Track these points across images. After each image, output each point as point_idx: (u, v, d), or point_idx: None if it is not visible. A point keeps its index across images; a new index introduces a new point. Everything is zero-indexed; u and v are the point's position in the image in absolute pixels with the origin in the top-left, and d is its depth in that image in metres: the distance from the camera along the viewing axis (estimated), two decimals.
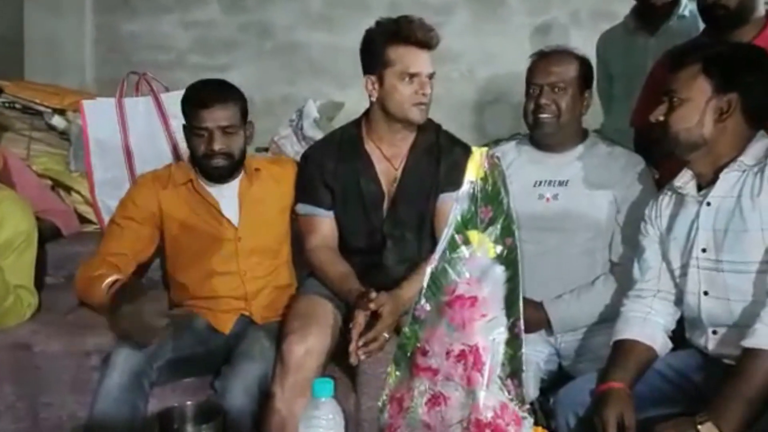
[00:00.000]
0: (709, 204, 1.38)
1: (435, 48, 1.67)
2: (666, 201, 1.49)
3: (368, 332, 1.51)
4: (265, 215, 1.78)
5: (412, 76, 1.64)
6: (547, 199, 1.71)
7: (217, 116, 1.67)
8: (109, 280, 1.60)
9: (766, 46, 1.67)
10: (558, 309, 1.67)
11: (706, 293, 1.38)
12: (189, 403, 1.25)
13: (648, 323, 1.45)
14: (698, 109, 1.36)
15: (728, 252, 1.34)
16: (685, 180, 1.43)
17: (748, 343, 1.26)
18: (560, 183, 1.72)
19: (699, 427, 1.21)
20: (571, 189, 1.71)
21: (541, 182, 1.73)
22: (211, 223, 1.75)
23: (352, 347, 1.51)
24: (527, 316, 1.55)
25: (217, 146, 1.68)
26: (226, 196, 1.76)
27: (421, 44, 1.65)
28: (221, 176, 1.75)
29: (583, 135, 1.78)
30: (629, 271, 1.55)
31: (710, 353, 1.40)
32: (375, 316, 1.53)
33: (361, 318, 1.52)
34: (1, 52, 2.91)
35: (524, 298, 1.57)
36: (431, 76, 1.67)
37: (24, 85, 2.44)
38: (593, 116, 2.44)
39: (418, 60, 1.64)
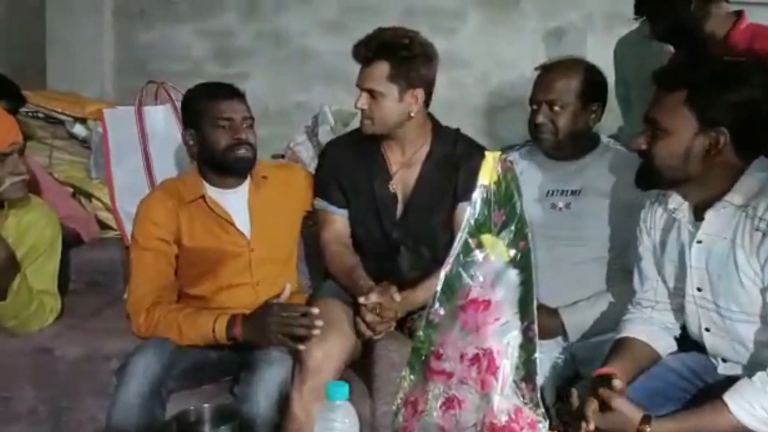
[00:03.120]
0: (700, 242, 1.30)
1: (369, 62, 1.64)
2: (660, 212, 1.41)
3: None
4: (275, 223, 1.78)
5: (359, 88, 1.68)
6: (560, 209, 1.71)
7: (239, 108, 1.70)
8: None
9: (740, 42, 1.65)
10: (573, 316, 1.66)
11: (707, 330, 1.35)
12: (206, 405, 1.27)
13: (648, 323, 1.43)
14: (683, 144, 1.24)
15: (725, 299, 1.28)
16: (678, 201, 1.34)
17: (727, 396, 1.19)
18: (572, 192, 1.71)
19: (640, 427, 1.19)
20: (584, 198, 1.70)
21: (553, 192, 1.72)
22: (224, 238, 1.73)
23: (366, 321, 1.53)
24: (542, 322, 1.55)
25: (243, 135, 1.68)
26: (236, 205, 1.75)
27: (359, 59, 1.67)
28: (244, 170, 1.73)
29: (594, 142, 1.76)
30: None
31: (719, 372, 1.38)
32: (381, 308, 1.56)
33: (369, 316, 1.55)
34: (24, 62, 2.98)
35: (539, 305, 1.60)
36: (372, 92, 1.65)
37: (46, 95, 2.50)
38: (615, 119, 2.44)
39: (358, 74, 1.68)
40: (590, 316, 1.66)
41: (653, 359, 1.40)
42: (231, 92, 1.72)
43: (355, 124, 2.38)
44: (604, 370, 1.33)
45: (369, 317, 1.54)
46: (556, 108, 1.66)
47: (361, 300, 1.55)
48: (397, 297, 1.55)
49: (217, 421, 1.24)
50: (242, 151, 1.69)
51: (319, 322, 1.51)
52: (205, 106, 1.69)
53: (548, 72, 1.71)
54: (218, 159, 1.70)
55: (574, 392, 1.29)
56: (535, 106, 1.70)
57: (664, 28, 1.79)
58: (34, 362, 1.72)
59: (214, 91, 1.71)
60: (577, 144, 1.72)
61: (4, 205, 1.66)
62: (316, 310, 1.53)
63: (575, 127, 1.68)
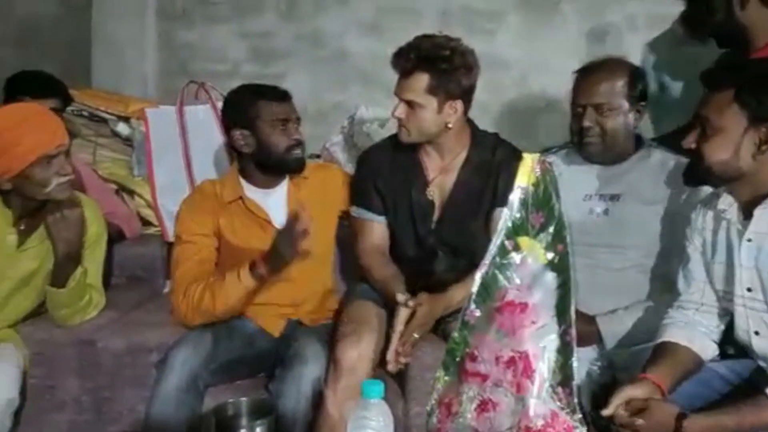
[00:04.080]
0: (749, 240, 1.29)
1: (409, 73, 1.62)
2: (710, 214, 1.40)
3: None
4: (313, 221, 1.78)
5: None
6: (597, 214, 1.67)
7: (292, 109, 1.76)
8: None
9: None
10: (611, 324, 1.62)
11: (757, 333, 1.32)
12: (243, 399, 1.30)
13: (689, 328, 1.40)
14: (734, 140, 1.25)
15: None
16: (729, 202, 1.34)
17: None
18: (611, 197, 1.67)
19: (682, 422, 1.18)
20: (623, 204, 1.66)
21: (591, 196, 1.69)
22: (262, 236, 1.75)
23: (390, 354, 1.52)
24: (579, 329, 1.52)
25: (297, 136, 1.74)
26: (274, 204, 1.79)
27: (398, 70, 1.65)
28: (299, 168, 1.78)
29: (636, 145, 1.71)
30: None
31: None
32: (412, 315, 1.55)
33: (399, 325, 1.54)
34: (71, 61, 3.07)
35: (576, 311, 1.58)
36: (410, 103, 1.64)
37: (91, 94, 2.56)
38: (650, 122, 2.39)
39: (396, 83, 1.67)
40: (628, 324, 1.62)
41: (695, 363, 1.38)
42: (284, 94, 1.77)
43: (390, 126, 2.40)
44: (641, 376, 1.31)
45: (398, 349, 1.54)
46: (604, 111, 1.62)
47: (399, 297, 1.55)
48: (424, 296, 1.56)
49: (253, 415, 1.26)
50: (298, 152, 1.75)
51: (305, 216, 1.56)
52: (261, 108, 1.72)
53: (590, 74, 1.67)
54: (276, 159, 1.75)
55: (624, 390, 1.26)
56: (579, 110, 1.65)
57: (714, 25, 1.74)
58: (78, 353, 1.77)
59: (268, 93, 1.75)
60: (620, 148, 1.68)
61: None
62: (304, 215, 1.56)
63: (621, 131, 1.65)
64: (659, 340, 1.41)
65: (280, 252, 1.61)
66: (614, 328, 1.63)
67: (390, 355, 1.53)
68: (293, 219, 1.60)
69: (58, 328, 1.79)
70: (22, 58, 2.95)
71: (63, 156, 1.63)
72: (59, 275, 1.70)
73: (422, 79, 1.62)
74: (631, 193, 1.66)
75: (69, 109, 2.33)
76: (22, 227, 1.68)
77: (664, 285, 1.66)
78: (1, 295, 1.69)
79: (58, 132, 1.64)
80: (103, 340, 1.77)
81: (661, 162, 1.69)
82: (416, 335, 1.53)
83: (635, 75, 1.68)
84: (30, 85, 2.11)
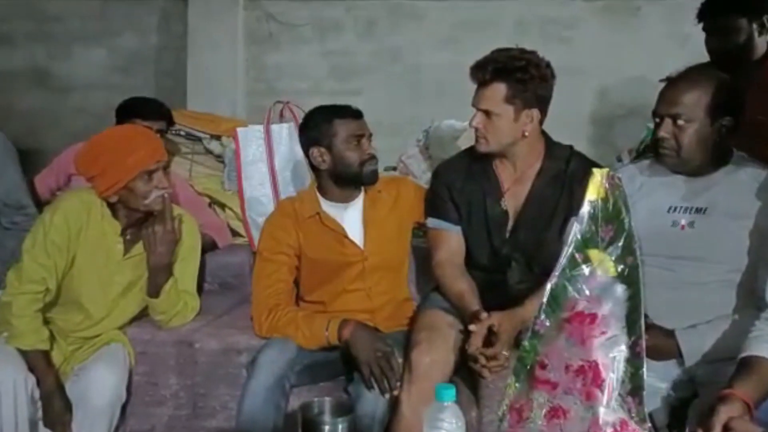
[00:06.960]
0: None
1: (486, 84, 1.68)
2: None
3: (487, 349, 1.56)
4: (387, 234, 1.88)
5: None
6: (682, 227, 1.61)
7: (364, 125, 1.85)
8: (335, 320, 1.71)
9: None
10: (691, 339, 1.57)
11: None
12: (327, 398, 1.40)
13: None
14: None
15: None
16: None
17: None
18: (697, 210, 1.61)
19: None
20: (710, 217, 1.60)
21: (675, 208, 1.63)
22: (339, 250, 1.85)
23: (479, 364, 1.55)
24: (657, 343, 1.52)
25: (371, 150, 1.83)
26: (350, 218, 1.87)
27: (476, 81, 1.70)
28: (374, 181, 1.86)
29: (724, 157, 1.64)
30: None
31: None
32: (492, 334, 1.57)
33: (476, 339, 1.57)
34: (169, 86, 3.35)
35: (654, 325, 1.56)
36: (487, 113, 1.69)
37: (187, 115, 2.77)
38: None
39: (474, 94, 1.72)
40: (710, 339, 1.56)
41: None
42: (357, 112, 1.86)
43: (464, 137, 2.44)
44: (728, 392, 1.28)
45: (483, 361, 1.56)
46: (681, 122, 1.57)
47: (472, 327, 1.58)
48: (499, 315, 1.58)
49: (335, 413, 1.35)
50: (372, 165, 1.84)
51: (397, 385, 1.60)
52: (336, 127, 1.82)
53: (675, 84, 1.62)
54: (353, 174, 1.83)
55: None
56: (657, 120, 1.62)
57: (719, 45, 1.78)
58: (177, 353, 1.92)
59: (342, 112, 1.84)
60: (705, 159, 1.62)
61: (152, 214, 1.87)
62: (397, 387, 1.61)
63: (701, 144, 1.59)
64: (745, 354, 1.37)
65: (363, 346, 1.65)
66: (694, 343, 1.57)
67: (479, 365, 1.56)
68: (396, 360, 1.64)
69: (160, 330, 1.95)
70: (129, 84, 3.26)
71: (161, 171, 1.80)
72: (152, 285, 1.86)
73: (499, 89, 1.67)
74: (718, 206, 1.60)
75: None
76: (127, 237, 1.87)
77: (751, 299, 1.60)
78: (109, 299, 1.88)
79: (158, 150, 1.82)
80: (199, 341, 1.92)
81: (752, 175, 1.62)
82: (505, 352, 1.56)
83: (722, 87, 1.60)
84: (140, 109, 2.34)
